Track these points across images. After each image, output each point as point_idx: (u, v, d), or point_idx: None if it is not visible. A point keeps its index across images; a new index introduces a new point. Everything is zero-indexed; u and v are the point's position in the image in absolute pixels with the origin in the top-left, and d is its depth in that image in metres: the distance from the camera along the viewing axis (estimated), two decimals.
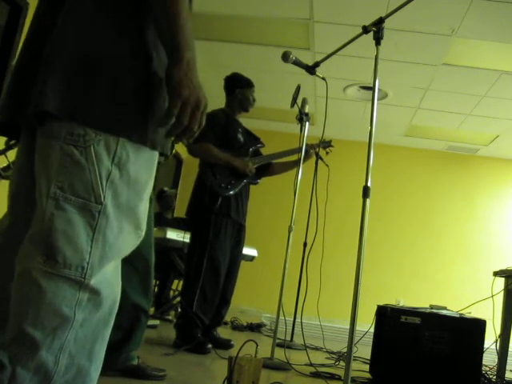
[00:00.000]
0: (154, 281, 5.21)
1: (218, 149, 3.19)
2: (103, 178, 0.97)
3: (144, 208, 1.05)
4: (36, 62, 1.02)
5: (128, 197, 1.00)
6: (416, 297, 6.02)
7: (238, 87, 3.38)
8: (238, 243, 3.35)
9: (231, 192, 3.19)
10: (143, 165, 1.02)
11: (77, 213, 0.95)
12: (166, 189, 5.48)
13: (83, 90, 0.96)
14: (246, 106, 3.40)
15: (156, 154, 1.05)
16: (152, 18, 1.03)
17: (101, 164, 0.96)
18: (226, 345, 3.25)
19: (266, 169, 3.53)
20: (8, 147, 2.53)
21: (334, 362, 3.24)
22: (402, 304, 3.15)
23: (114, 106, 0.98)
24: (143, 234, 1.07)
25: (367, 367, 3.07)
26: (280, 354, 2.93)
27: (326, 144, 3.63)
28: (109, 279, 1.01)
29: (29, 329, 0.91)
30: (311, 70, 2.86)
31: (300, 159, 3.24)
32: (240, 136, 3.36)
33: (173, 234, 4.21)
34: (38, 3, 1.14)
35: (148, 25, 1.03)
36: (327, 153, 3.68)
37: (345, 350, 3.24)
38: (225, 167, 3.22)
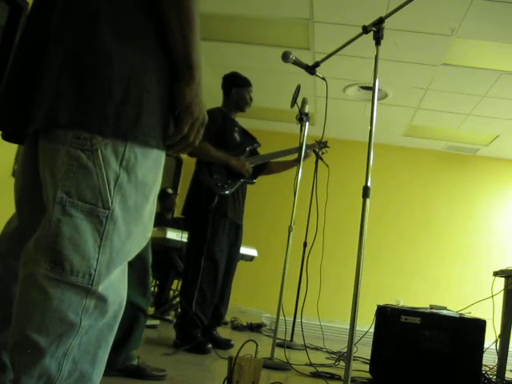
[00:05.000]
0: (152, 280, 5.25)
1: (215, 148, 3.17)
2: (111, 182, 0.95)
3: (150, 209, 1.04)
4: (36, 67, 0.98)
5: (136, 200, 0.99)
6: (416, 297, 6.03)
7: (235, 86, 3.35)
8: (235, 243, 3.33)
9: (227, 191, 3.17)
10: (151, 166, 1.01)
11: (84, 218, 0.93)
12: (170, 191, 5.46)
13: (92, 100, 0.94)
14: (243, 105, 3.38)
15: (163, 153, 1.04)
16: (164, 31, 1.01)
17: (108, 168, 0.95)
18: (225, 345, 3.25)
19: (262, 168, 3.51)
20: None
21: (334, 362, 3.24)
22: (402, 304, 3.15)
23: (124, 111, 0.95)
24: (150, 235, 1.06)
25: (367, 367, 3.07)
26: (280, 354, 2.93)
27: (322, 145, 3.63)
28: (115, 284, 0.99)
29: (33, 335, 0.90)
30: (311, 70, 2.85)
31: (300, 158, 3.23)
32: (236, 135, 3.34)
33: (173, 234, 4.21)
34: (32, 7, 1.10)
35: (161, 34, 1.02)
36: (322, 153, 3.68)
37: (345, 350, 3.24)
38: (222, 166, 3.19)
